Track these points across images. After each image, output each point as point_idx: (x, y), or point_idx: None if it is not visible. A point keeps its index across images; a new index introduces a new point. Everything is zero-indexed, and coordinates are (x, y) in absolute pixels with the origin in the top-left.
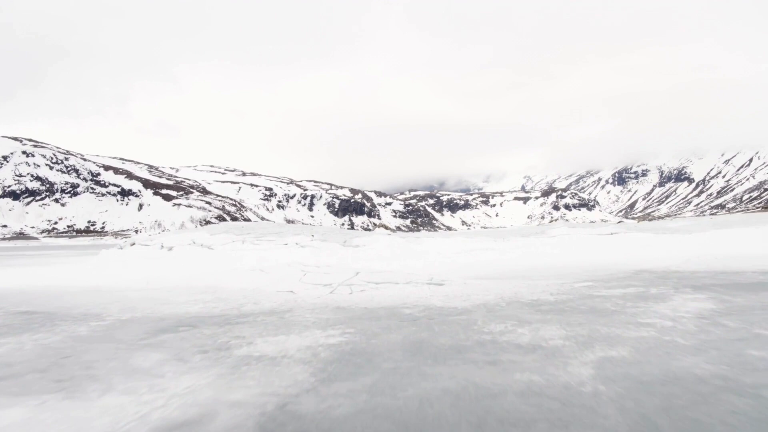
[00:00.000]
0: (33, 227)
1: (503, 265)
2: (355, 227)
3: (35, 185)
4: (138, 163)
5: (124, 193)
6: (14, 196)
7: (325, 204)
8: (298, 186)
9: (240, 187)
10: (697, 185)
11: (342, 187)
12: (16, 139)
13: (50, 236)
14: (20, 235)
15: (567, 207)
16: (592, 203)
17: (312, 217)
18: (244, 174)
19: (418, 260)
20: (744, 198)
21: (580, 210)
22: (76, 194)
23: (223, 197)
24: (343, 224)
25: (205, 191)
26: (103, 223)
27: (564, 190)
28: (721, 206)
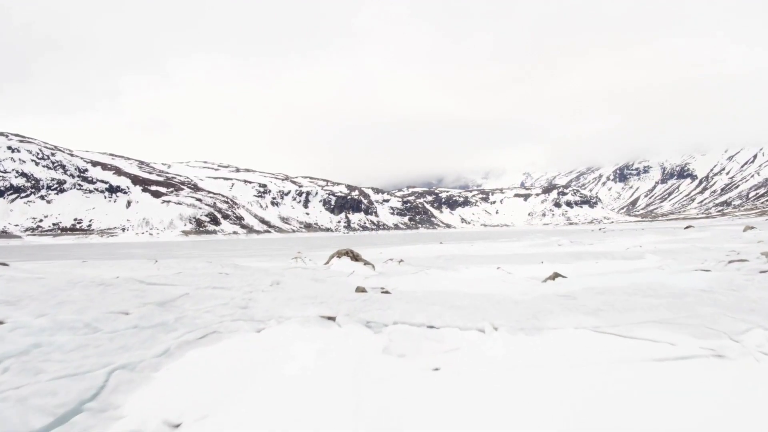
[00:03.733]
0: (17, 225)
1: None
2: (351, 225)
3: (20, 181)
4: (128, 158)
5: (112, 190)
6: None
7: (320, 201)
8: (294, 182)
9: (233, 184)
10: (701, 182)
11: (338, 184)
12: (1, 134)
13: (34, 234)
14: (2, 234)
15: (569, 204)
16: (594, 200)
17: (307, 214)
18: (237, 170)
19: None
20: (750, 195)
21: (582, 207)
22: (62, 191)
23: (215, 194)
24: (339, 221)
25: (196, 188)
26: (90, 221)
27: (565, 187)
28: (727, 203)
